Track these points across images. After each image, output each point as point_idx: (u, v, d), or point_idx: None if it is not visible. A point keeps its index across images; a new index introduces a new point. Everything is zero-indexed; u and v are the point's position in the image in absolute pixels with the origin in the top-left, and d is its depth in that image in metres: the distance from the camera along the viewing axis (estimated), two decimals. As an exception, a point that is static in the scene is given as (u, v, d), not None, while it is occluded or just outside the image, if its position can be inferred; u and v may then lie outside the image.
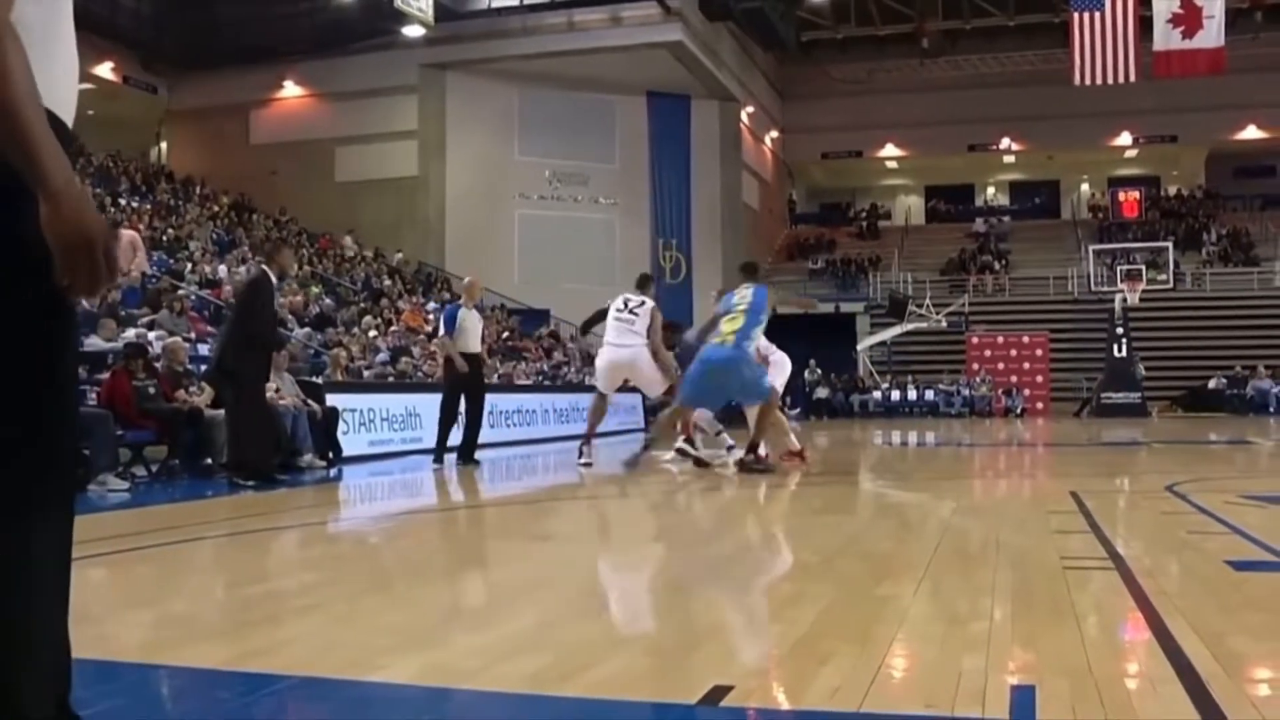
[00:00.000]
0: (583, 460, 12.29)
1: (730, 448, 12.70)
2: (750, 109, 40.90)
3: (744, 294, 11.22)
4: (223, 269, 21.54)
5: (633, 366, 12.29)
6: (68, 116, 1.97)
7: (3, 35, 1.74)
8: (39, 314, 1.88)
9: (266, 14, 31.07)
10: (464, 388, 13.01)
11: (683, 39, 32.83)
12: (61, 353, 1.96)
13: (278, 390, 12.22)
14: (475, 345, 13.18)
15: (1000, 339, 36.91)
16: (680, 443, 12.20)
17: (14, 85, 1.74)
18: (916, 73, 42.89)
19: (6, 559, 1.88)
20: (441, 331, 13.47)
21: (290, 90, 34.93)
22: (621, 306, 12.33)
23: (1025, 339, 36.72)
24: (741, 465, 11.06)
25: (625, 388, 13.50)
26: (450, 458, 13.10)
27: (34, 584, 1.92)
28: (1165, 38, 30.66)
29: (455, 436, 13.25)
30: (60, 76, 1.96)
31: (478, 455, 13.36)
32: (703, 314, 35.08)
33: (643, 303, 12.30)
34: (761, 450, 11.27)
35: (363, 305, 24.66)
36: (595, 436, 12.94)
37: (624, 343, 12.17)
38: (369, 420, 14.96)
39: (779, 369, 12.33)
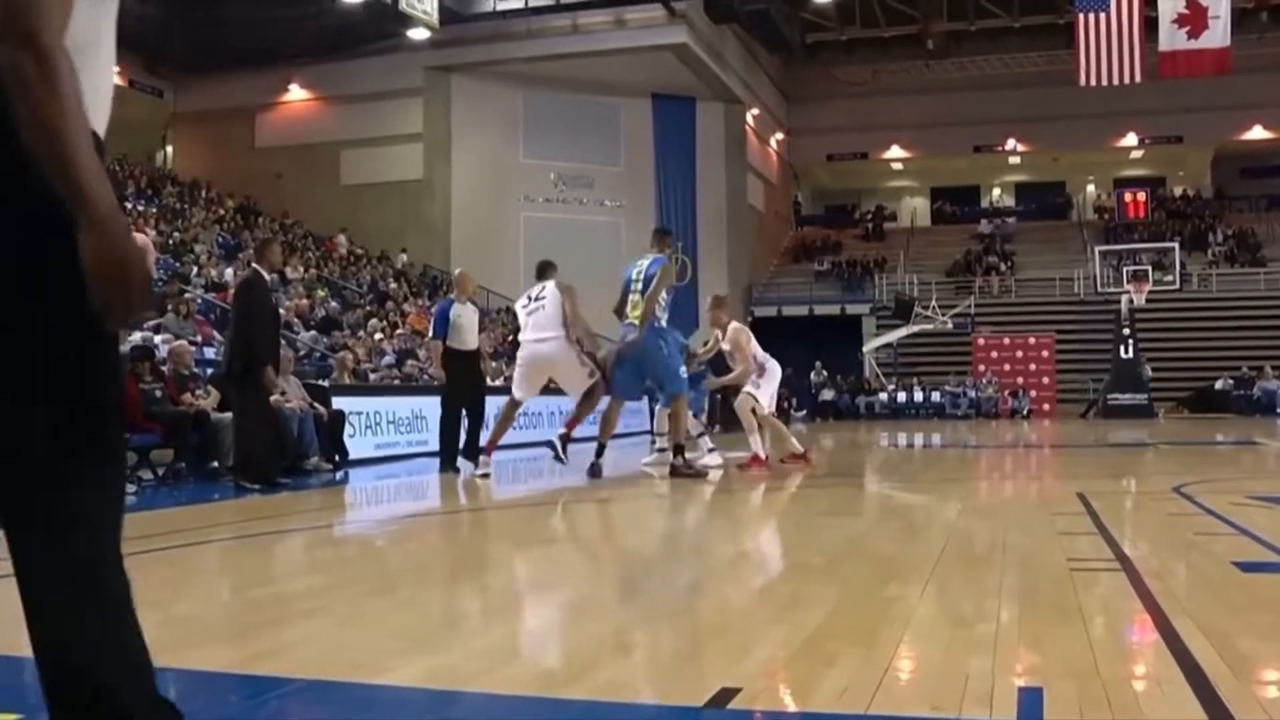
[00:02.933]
0: (480, 472, 11.55)
1: (711, 450, 12.63)
2: (755, 111, 40.92)
3: (640, 267, 11.20)
4: (229, 272, 21.56)
5: (551, 362, 11.30)
6: (101, 129, 1.98)
7: (56, 61, 1.73)
8: (83, 334, 1.88)
9: (272, 17, 31.07)
10: (463, 389, 12.44)
11: (687, 41, 32.85)
12: (109, 371, 1.98)
13: (284, 393, 12.22)
14: (472, 342, 12.53)
15: (1006, 340, 36.90)
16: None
17: (67, 114, 1.73)
18: (921, 74, 42.90)
19: (86, 572, 1.92)
20: (431, 334, 13.13)
21: (295, 93, 35.00)
22: (526, 301, 11.48)
23: (1031, 340, 36.71)
24: (673, 470, 10.82)
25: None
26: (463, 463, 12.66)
27: (117, 579, 1.97)
28: (1170, 38, 30.60)
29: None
30: (102, 93, 1.97)
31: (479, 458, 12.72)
32: (707, 316, 35.10)
33: (543, 288, 11.40)
34: (713, 455, 11.61)
35: (368, 308, 24.67)
36: (505, 448, 12.65)
37: (541, 336, 11.17)
38: (375, 423, 14.96)
39: (770, 377, 12.11)
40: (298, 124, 34.83)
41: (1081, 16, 31.07)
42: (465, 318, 12.43)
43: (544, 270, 11.77)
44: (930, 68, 42.19)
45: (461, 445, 12.53)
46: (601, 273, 34.17)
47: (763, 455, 11.63)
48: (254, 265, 10.96)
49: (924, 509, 8.47)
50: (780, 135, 45.83)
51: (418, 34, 31.12)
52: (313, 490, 10.98)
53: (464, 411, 12.58)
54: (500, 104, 34.65)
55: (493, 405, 12.90)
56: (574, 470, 11.19)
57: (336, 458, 13.25)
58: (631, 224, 36.09)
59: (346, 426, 13.86)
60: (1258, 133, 43.45)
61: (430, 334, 13.29)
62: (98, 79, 1.95)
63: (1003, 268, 43.00)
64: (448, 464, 12.37)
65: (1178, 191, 47.78)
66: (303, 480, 11.64)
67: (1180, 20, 30.57)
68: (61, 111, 1.72)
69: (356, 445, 14.14)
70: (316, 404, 13.14)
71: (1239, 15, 32.87)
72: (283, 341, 12.33)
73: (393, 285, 28.87)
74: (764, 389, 11.86)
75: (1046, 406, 35.64)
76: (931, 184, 51.69)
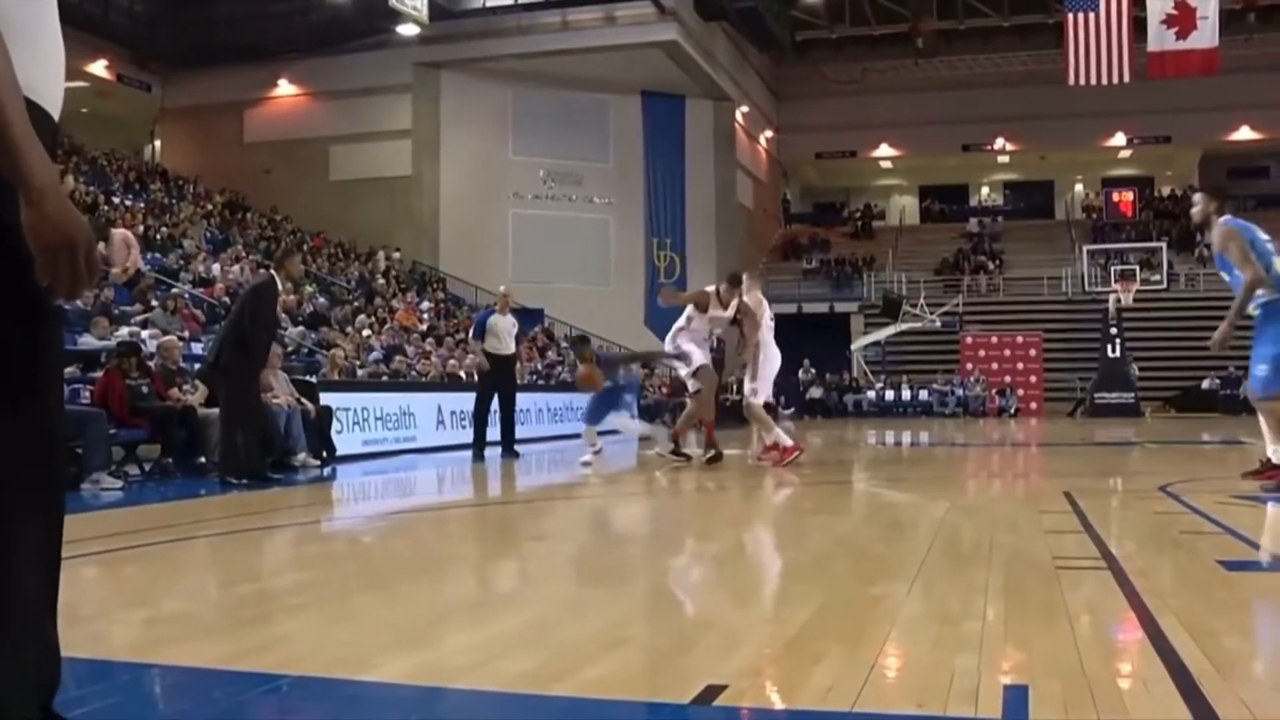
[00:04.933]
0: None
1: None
2: (745, 108, 40.93)
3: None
4: (216, 267, 21.52)
5: None
6: (53, 109, 1.94)
7: None
8: (23, 312, 1.85)
9: (261, 12, 31.07)
10: (495, 386, 14.32)
11: (677, 38, 32.85)
12: (46, 350, 1.93)
13: (272, 389, 12.20)
14: (506, 348, 14.34)
15: (994, 339, 36.99)
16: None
17: None
18: (911, 73, 42.95)
19: None
20: (471, 336, 15.30)
21: (284, 89, 34.92)
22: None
23: (1019, 339, 36.80)
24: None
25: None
26: (491, 452, 14.30)
27: (14, 582, 1.88)
28: (1159, 38, 30.70)
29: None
30: (44, 67, 1.93)
31: (516, 448, 14.47)
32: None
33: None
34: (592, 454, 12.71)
35: (356, 304, 24.63)
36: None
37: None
38: (363, 419, 14.96)
39: (768, 363, 12.26)
40: (286, 119, 34.75)
41: (1071, 16, 31.16)
42: (502, 326, 14.33)
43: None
44: (920, 66, 42.24)
45: (501, 440, 14.49)
46: (590, 269, 34.52)
47: (788, 442, 11.95)
48: (273, 273, 10.97)
49: (911, 507, 8.48)
50: (769, 133, 45.84)
51: (407, 30, 31.08)
52: (300, 486, 10.97)
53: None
54: (490, 100, 34.61)
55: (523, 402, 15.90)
56: (561, 466, 11.21)
57: (324, 454, 13.25)
58: (620, 221, 36.12)
59: (334, 422, 13.85)
60: (1245, 133, 43.59)
61: (470, 334, 15.53)
62: (38, 51, 1.91)
63: (991, 266, 43.09)
64: (478, 454, 14.13)
65: (1165, 191, 47.90)
66: (290, 476, 11.63)
67: (1169, 21, 30.67)
68: None
69: (344, 441, 14.13)
70: (304, 400, 13.13)
71: (1227, 16, 32.97)
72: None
73: (380, 281, 28.80)
74: (761, 381, 12.19)
75: (1034, 405, 35.73)
76: (920, 182, 51.77)
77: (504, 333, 14.29)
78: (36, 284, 1.77)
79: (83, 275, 1.77)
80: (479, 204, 34.34)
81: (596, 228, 35.82)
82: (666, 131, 37.23)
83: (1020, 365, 36.36)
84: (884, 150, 47.63)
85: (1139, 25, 30.73)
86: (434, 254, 33.56)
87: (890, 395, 36.26)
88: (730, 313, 12.13)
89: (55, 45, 1.98)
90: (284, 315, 18.82)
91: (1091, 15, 31.14)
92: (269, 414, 11.64)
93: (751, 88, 42.26)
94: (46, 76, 1.93)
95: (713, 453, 12.18)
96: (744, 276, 12.54)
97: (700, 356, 12.22)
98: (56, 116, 1.95)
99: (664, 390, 27.53)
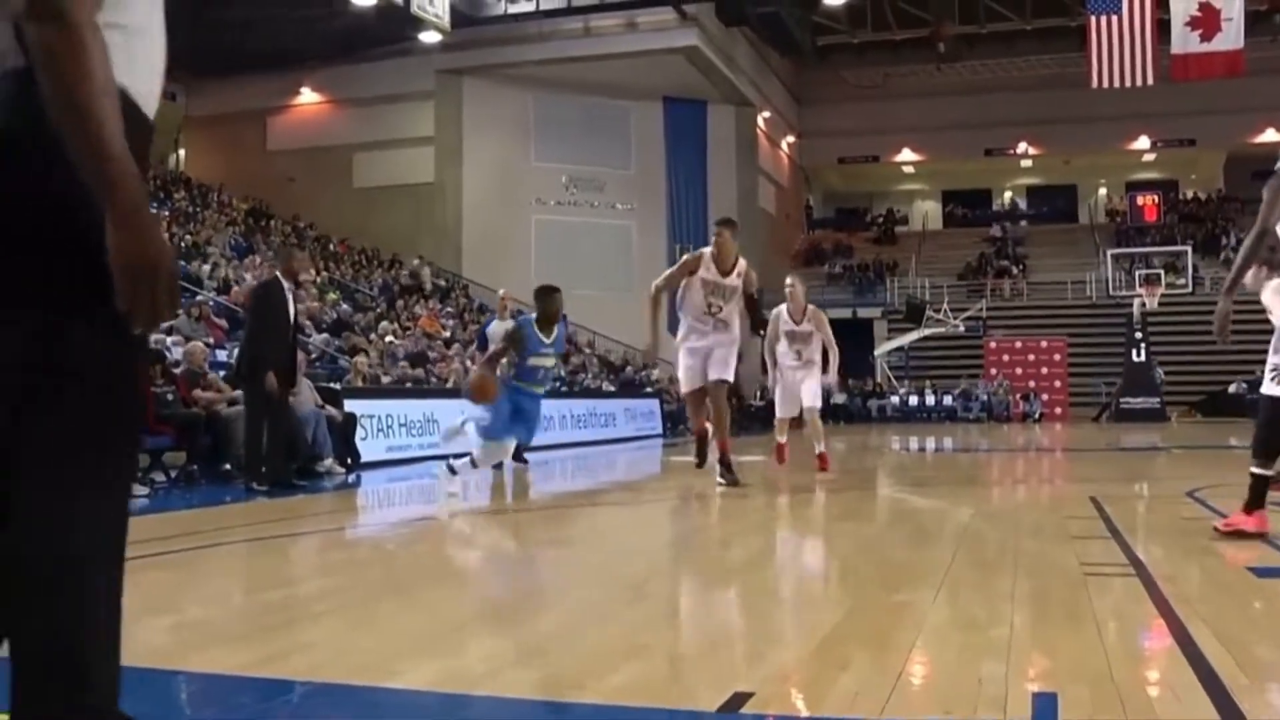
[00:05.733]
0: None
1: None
2: (766, 114, 40.89)
3: None
4: (247, 275, 21.60)
5: None
6: (150, 110, 1.91)
7: (86, 38, 1.64)
8: (105, 335, 1.79)
9: (283, 20, 31.13)
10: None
11: (698, 44, 32.85)
12: (126, 378, 1.88)
13: (295, 395, 12.23)
14: None
15: (1018, 344, 36.84)
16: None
17: (95, 94, 1.64)
18: (933, 77, 42.81)
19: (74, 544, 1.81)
20: (476, 348, 14.58)
21: (307, 96, 35.06)
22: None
23: (1043, 344, 36.64)
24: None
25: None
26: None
27: (119, 589, 1.89)
28: (1183, 40, 30.53)
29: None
30: (157, 74, 1.90)
31: (526, 456, 13.86)
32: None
33: None
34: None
35: (379, 311, 24.70)
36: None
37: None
38: (387, 426, 14.98)
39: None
40: (310, 127, 34.90)
41: (1094, 19, 31.03)
42: (501, 331, 13.09)
43: None
44: (941, 70, 42.11)
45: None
46: (612, 275, 34.50)
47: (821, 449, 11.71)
48: (276, 273, 10.95)
49: (936, 513, 8.44)
50: (791, 138, 45.78)
51: (429, 37, 31.15)
52: (325, 493, 10.99)
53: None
54: (512, 107, 34.67)
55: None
56: (582, 474, 11.19)
57: (349, 460, 13.28)
58: (642, 227, 36.14)
59: (358, 429, 13.88)
60: (1271, 135, 43.23)
61: (475, 346, 14.84)
62: (154, 60, 1.89)
63: (1014, 271, 42.95)
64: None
65: (1190, 194, 47.64)
66: (315, 483, 11.65)
67: (1193, 23, 30.50)
68: (89, 90, 1.63)
69: (368, 448, 14.15)
70: (329, 406, 13.17)
71: (1252, 18, 32.77)
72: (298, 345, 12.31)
73: (401, 285, 28.86)
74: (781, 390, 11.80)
75: (1058, 410, 35.57)
76: (943, 187, 51.62)
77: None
78: (118, 308, 1.71)
79: (163, 304, 1.71)
80: (501, 210, 34.41)
81: (618, 234, 35.84)
82: (688, 137, 37.24)
83: (1044, 370, 36.21)
84: (906, 155, 47.54)
85: (1163, 27, 30.57)
86: (456, 260, 33.62)
87: (914, 400, 36.17)
88: (734, 280, 9.87)
89: (160, 43, 1.95)
90: (308, 322, 18.92)
91: (1114, 18, 30.99)
92: (294, 420, 11.65)
93: (773, 93, 42.22)
94: (156, 81, 1.90)
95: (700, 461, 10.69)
96: (793, 280, 11.74)
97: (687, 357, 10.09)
98: (152, 115, 1.93)
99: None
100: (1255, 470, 6.01)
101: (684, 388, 10.48)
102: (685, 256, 10.15)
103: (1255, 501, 5.96)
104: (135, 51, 1.80)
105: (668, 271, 10.43)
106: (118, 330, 1.78)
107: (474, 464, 9.15)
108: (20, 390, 1.76)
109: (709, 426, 10.51)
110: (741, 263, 9.88)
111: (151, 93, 1.89)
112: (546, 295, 8.82)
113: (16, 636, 1.79)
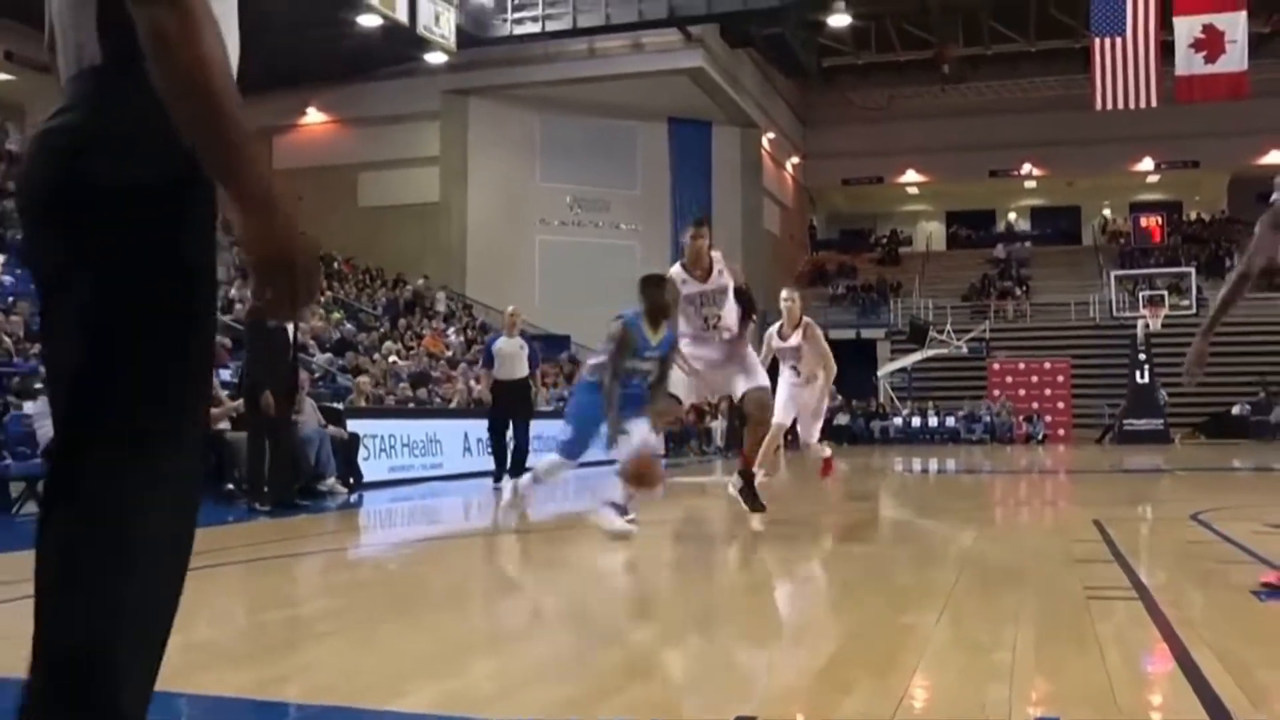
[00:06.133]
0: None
1: None
2: (771, 135, 40.98)
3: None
4: (249, 294, 21.62)
5: None
6: None
7: (199, 15, 1.58)
8: (182, 325, 1.75)
9: (290, 40, 31.23)
10: (506, 414, 13.72)
11: (704, 65, 32.94)
12: (200, 360, 1.82)
13: (299, 414, 12.24)
14: (516, 373, 13.64)
15: (1021, 365, 36.83)
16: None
17: (214, 74, 1.58)
18: (937, 99, 42.90)
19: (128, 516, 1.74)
20: (481, 364, 14.81)
21: (313, 116, 35.16)
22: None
23: (1047, 365, 36.61)
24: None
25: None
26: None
27: (148, 558, 1.79)
28: (1187, 62, 30.56)
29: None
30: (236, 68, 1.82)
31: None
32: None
33: None
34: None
35: (383, 330, 24.73)
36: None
37: None
38: (389, 446, 15.00)
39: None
40: (315, 146, 34.99)
41: (1098, 41, 31.09)
42: (509, 349, 13.70)
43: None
44: (946, 92, 42.22)
45: (510, 466, 13.72)
46: (617, 295, 34.41)
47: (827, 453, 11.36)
48: None
49: (939, 535, 8.43)
50: (796, 159, 45.87)
51: (435, 58, 31.24)
52: (328, 513, 10.99)
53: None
54: (517, 127, 34.77)
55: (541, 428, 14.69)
56: (585, 494, 11.17)
57: (351, 480, 13.28)
58: (647, 248, 36.10)
59: (361, 449, 13.89)
60: (1274, 157, 43.27)
61: (480, 364, 14.95)
62: (232, 55, 1.81)
63: (1018, 292, 42.98)
64: (498, 478, 13.64)
65: (1193, 216, 47.67)
66: (318, 503, 11.65)
67: (1197, 45, 30.54)
68: (208, 72, 1.57)
69: (371, 468, 14.17)
70: (332, 425, 13.18)
71: (1256, 40, 32.83)
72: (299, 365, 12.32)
73: (405, 304, 28.86)
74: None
75: (1062, 432, 35.53)
76: (947, 208, 51.65)
77: (511, 356, 13.69)
78: (200, 296, 1.70)
79: (302, 294, 1.66)
80: (506, 230, 34.47)
81: (623, 254, 35.82)
82: (693, 158, 37.31)
83: (1048, 391, 36.20)
84: (910, 176, 47.59)
85: (1167, 49, 30.63)
86: (461, 280, 33.66)
87: (917, 421, 36.14)
88: (718, 280, 8.53)
89: (235, 39, 1.89)
90: (311, 341, 18.94)
91: (1119, 40, 31.03)
92: (297, 440, 11.66)
93: (778, 114, 42.32)
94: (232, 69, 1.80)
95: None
96: (789, 295, 10.80)
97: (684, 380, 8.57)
98: None
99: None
100: None
101: (694, 397, 9.06)
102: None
103: None
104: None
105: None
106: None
107: (536, 479, 8.38)
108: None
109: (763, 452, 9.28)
110: (717, 257, 8.56)
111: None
112: (655, 285, 7.66)
113: (51, 625, 1.70)
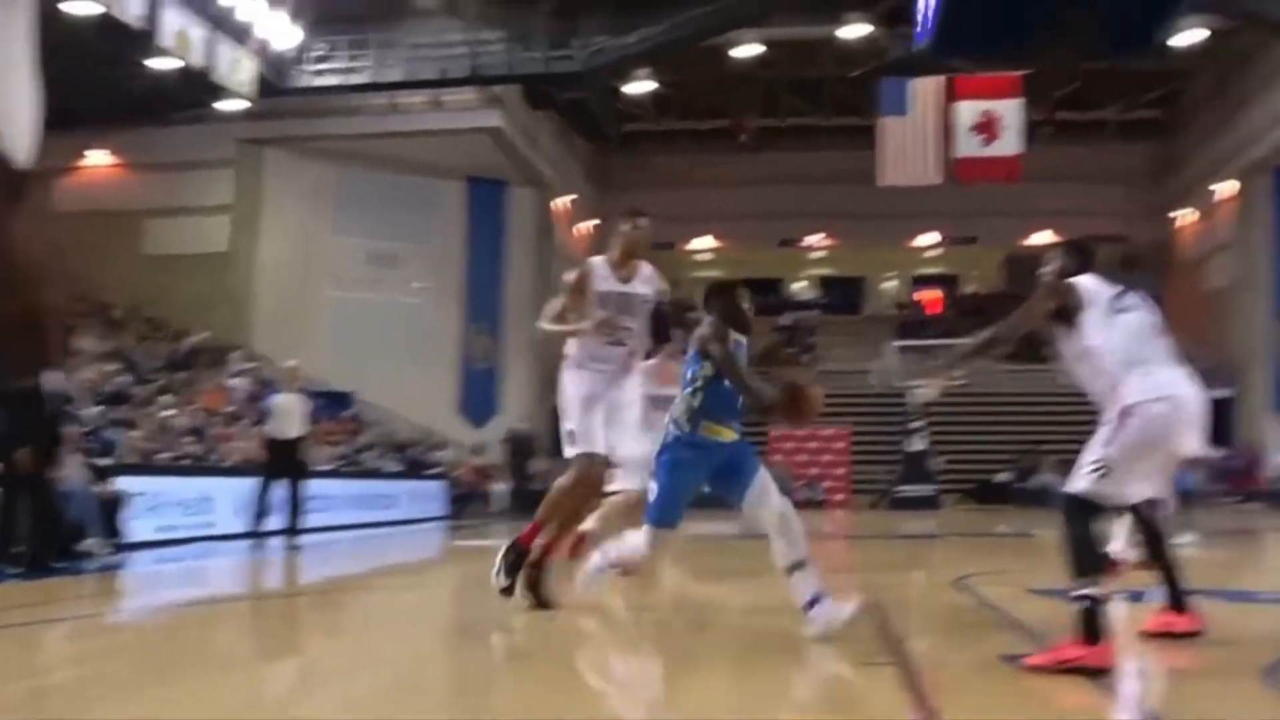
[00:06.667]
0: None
1: None
2: (569, 197, 41.26)
3: None
4: None
5: None
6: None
7: None
8: None
9: (75, 79, 30.11)
10: (278, 473, 13.34)
11: (503, 125, 33.03)
12: None
13: (62, 469, 11.64)
14: (291, 430, 13.40)
15: (800, 431, 37.59)
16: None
17: None
18: (735, 167, 43.82)
19: None
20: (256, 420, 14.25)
21: (99, 158, 33.88)
22: None
23: (827, 431, 37.43)
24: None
25: None
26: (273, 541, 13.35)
27: None
28: (967, 144, 32.20)
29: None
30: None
31: (299, 540, 13.41)
32: (511, 398, 35.39)
33: None
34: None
35: (162, 383, 23.86)
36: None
37: None
38: (157, 504, 14.31)
39: None
40: (100, 190, 33.64)
41: (883, 120, 32.47)
42: (287, 406, 13.51)
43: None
44: (743, 160, 43.20)
45: (284, 528, 13.39)
46: (404, 351, 34.08)
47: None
48: None
49: (710, 604, 8.49)
50: (592, 222, 46.21)
51: (231, 105, 30.50)
52: (86, 575, 10.45)
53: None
54: (314, 180, 34.13)
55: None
56: (356, 557, 10.95)
57: (115, 540, 12.64)
58: (439, 304, 35.79)
59: (127, 507, 13.22)
60: (1047, 236, 45.42)
61: (260, 422, 14.47)
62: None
63: (803, 360, 44.04)
64: (253, 534, 13.33)
65: (970, 290, 49.76)
66: (76, 564, 11.05)
67: (977, 128, 32.22)
68: None
69: (137, 528, 13.48)
70: (98, 483, 12.55)
71: (1031, 126, 34.72)
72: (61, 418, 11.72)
73: (184, 357, 27.91)
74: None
75: (840, 497, 36.35)
76: (738, 275, 52.62)
77: (288, 413, 13.51)
78: None
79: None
80: (297, 283, 33.70)
81: (414, 310, 35.43)
82: (489, 217, 37.26)
83: (826, 458, 37.05)
84: (707, 242, 48.34)
85: (950, 131, 32.19)
86: (247, 332, 32.74)
87: (700, 486, 36.51)
88: (640, 286, 7.20)
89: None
90: (84, 394, 18.13)
91: (903, 120, 32.52)
92: (54, 498, 11.04)
93: (576, 177, 42.63)
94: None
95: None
96: None
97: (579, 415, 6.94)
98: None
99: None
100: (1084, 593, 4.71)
101: (577, 447, 6.89)
102: (567, 275, 7.34)
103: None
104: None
105: (555, 303, 7.50)
106: None
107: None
108: None
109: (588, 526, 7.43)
110: (646, 265, 7.27)
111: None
112: (728, 294, 6.13)
113: None
